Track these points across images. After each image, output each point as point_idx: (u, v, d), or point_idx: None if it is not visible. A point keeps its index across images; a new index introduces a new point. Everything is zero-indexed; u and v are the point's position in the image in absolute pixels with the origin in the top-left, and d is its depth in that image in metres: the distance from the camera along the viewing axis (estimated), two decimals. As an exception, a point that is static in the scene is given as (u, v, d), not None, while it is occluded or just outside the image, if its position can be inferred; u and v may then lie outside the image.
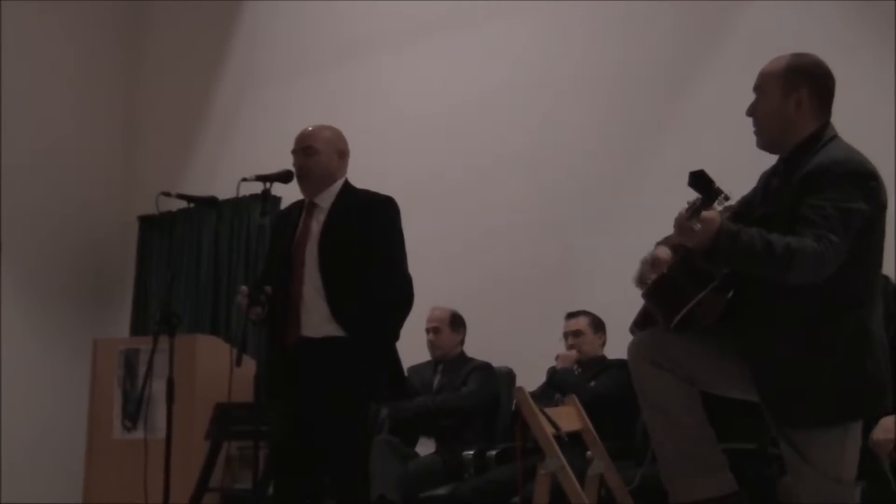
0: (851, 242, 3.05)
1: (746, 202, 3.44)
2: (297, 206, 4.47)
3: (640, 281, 3.41)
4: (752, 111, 3.35)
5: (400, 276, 4.28)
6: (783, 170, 3.30)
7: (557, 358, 5.68)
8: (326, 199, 4.35)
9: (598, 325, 5.77)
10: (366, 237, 4.24)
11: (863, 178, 3.12)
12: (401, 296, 4.27)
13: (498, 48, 7.08)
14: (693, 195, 3.07)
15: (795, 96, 3.26)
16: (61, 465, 7.54)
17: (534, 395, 5.37)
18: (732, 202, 3.20)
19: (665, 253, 3.30)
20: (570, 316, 5.80)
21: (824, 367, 3.09)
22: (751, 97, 3.37)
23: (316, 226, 4.31)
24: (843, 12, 5.79)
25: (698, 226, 3.02)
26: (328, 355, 4.13)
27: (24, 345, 8.00)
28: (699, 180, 3.04)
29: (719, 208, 3.08)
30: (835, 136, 3.26)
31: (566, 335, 5.75)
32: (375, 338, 4.19)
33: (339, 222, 4.28)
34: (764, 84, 3.32)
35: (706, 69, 6.24)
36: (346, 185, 4.42)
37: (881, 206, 3.17)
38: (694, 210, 3.04)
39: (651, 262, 3.35)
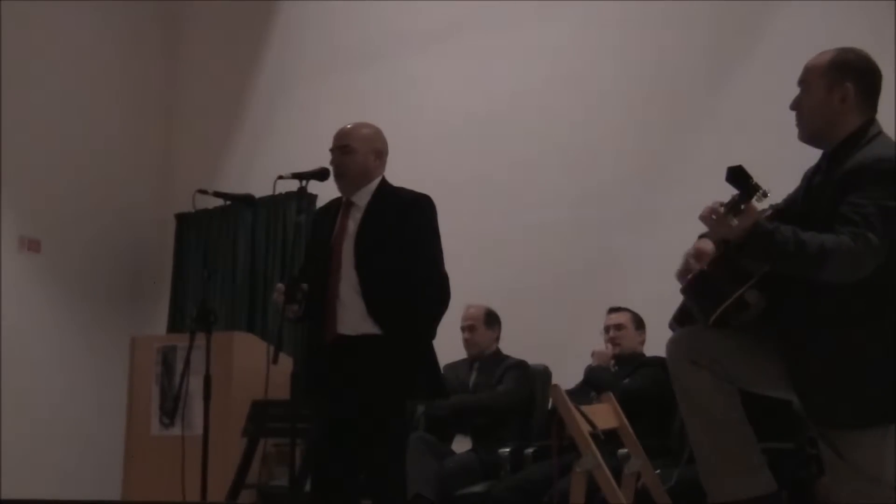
0: (892, 241, 3.02)
1: (791, 200, 3.41)
2: (335, 203, 4.46)
3: (683, 275, 3.38)
4: (796, 105, 3.32)
5: (437, 274, 4.28)
6: (826, 166, 3.27)
7: (594, 353, 5.67)
8: (363, 198, 4.35)
9: (639, 323, 5.75)
10: (403, 235, 4.24)
11: None
12: (437, 294, 4.26)
13: (532, 47, 7.06)
14: (731, 191, 3.05)
15: (840, 91, 3.22)
16: (100, 460, 7.61)
17: (571, 392, 5.38)
18: (771, 199, 3.17)
19: (708, 245, 3.27)
20: (613, 310, 5.78)
21: (863, 366, 3.07)
22: (786, 95, 3.34)
23: (353, 224, 4.30)
24: (878, 11, 5.73)
25: (735, 221, 3.01)
26: (365, 353, 4.14)
27: (62, 342, 8.08)
28: (737, 176, 3.02)
29: (758, 204, 3.05)
30: (879, 133, 3.22)
31: (607, 328, 5.73)
32: (412, 336, 4.19)
33: (376, 221, 4.28)
34: (809, 78, 3.29)
35: (741, 67, 6.20)
36: (383, 183, 4.41)
37: None
38: (732, 205, 3.02)
39: (695, 255, 3.32)
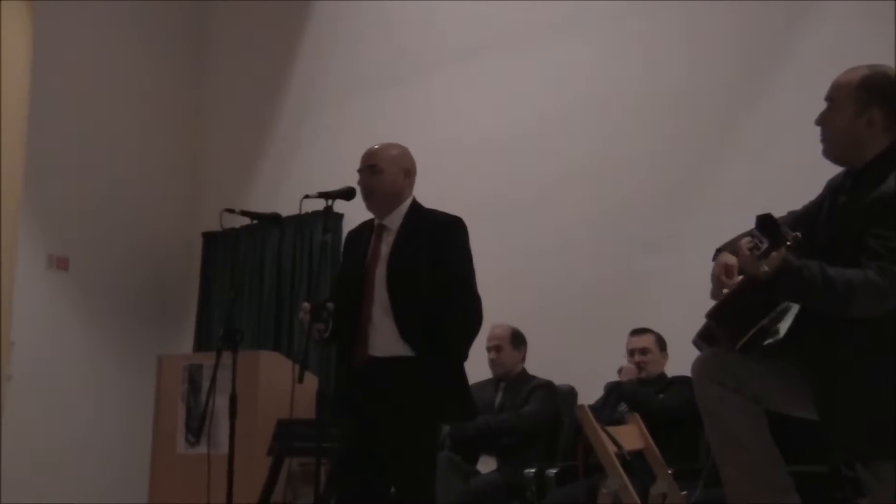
0: None
1: (807, 219, 3.39)
2: (367, 226, 4.45)
3: (717, 294, 3.35)
4: (821, 121, 3.30)
5: (469, 296, 4.25)
6: (851, 187, 3.25)
7: (620, 371, 5.65)
8: (395, 221, 4.33)
9: (662, 344, 5.74)
10: (435, 258, 4.22)
11: None
12: (470, 316, 4.24)
13: (556, 70, 7.07)
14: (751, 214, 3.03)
15: (868, 115, 3.20)
16: (127, 478, 7.64)
17: (595, 407, 5.38)
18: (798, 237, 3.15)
19: (731, 258, 3.25)
20: (637, 332, 5.77)
21: (885, 398, 3.03)
22: (813, 114, 3.32)
23: (385, 248, 4.29)
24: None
25: (766, 268, 2.98)
26: (397, 375, 4.13)
27: (89, 359, 8.13)
28: (767, 225, 3.00)
29: (790, 250, 3.04)
30: (906, 156, 3.20)
31: (632, 351, 5.71)
32: (444, 358, 4.18)
33: (408, 244, 4.27)
34: (836, 96, 3.26)
35: (767, 88, 6.18)
36: (414, 204, 4.40)
37: None
38: (762, 253, 3.00)
39: (724, 272, 3.29)
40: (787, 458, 3.29)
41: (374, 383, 4.15)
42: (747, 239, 3.05)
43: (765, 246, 2.98)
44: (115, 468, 7.88)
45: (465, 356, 4.25)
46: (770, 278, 3.00)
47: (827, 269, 2.99)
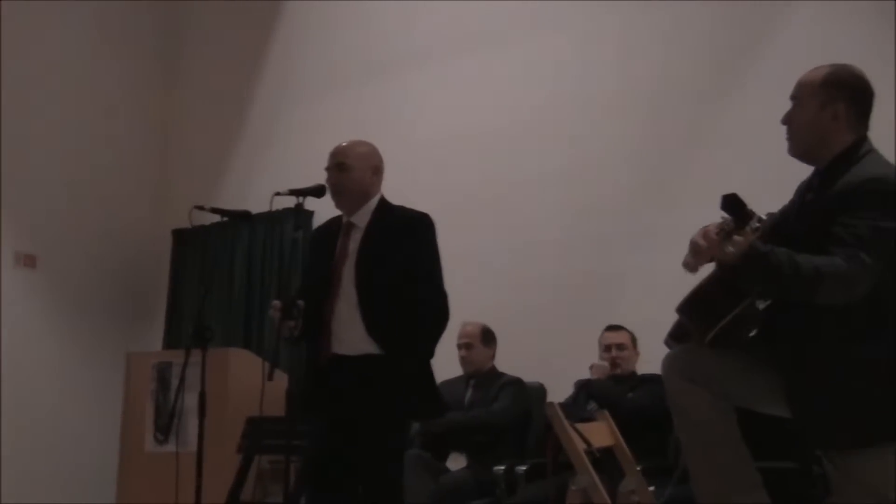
0: (886, 261, 3.02)
1: (784, 216, 3.41)
2: (334, 223, 4.45)
3: (690, 262, 3.33)
4: (787, 120, 3.33)
5: (436, 292, 4.27)
6: (818, 184, 3.28)
7: (592, 367, 5.66)
8: (363, 218, 4.34)
9: (635, 341, 5.75)
10: (403, 255, 4.23)
11: None
12: (437, 313, 4.25)
13: (531, 65, 7.08)
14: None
15: (832, 109, 3.23)
16: (95, 476, 7.58)
17: (564, 405, 5.38)
18: (766, 220, 3.17)
19: (713, 228, 3.24)
20: (613, 329, 5.77)
21: (856, 388, 3.05)
22: (785, 111, 3.35)
23: (353, 245, 4.29)
24: (882, 28, 5.74)
25: (731, 248, 3.00)
26: (364, 373, 4.13)
27: (58, 357, 8.07)
28: (732, 204, 3.02)
29: (751, 231, 3.05)
30: (870, 151, 3.23)
31: (608, 347, 5.71)
32: (412, 355, 4.18)
33: (376, 241, 4.27)
34: (801, 94, 3.30)
35: (741, 85, 6.21)
36: (382, 202, 4.40)
37: None
38: (727, 233, 3.02)
39: (702, 233, 3.27)
40: (757, 454, 3.31)
41: (341, 381, 4.15)
42: (713, 223, 3.07)
43: (730, 225, 2.99)
44: (83, 466, 7.82)
45: (431, 353, 4.26)
46: (737, 263, 3.01)
47: (794, 256, 3.01)
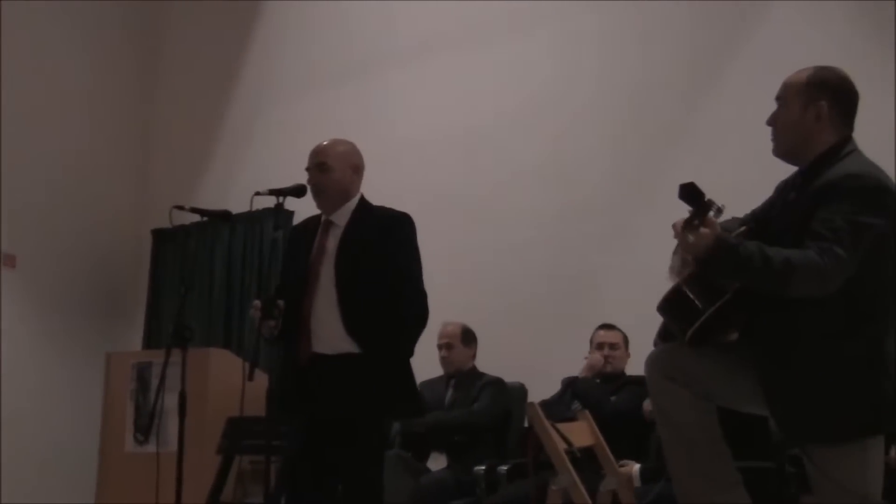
0: (862, 257, 3.04)
1: (764, 213, 3.43)
2: (313, 221, 4.45)
3: (675, 271, 3.39)
4: (772, 120, 3.35)
5: (416, 292, 4.27)
6: (801, 183, 3.29)
7: (586, 358, 5.65)
8: (342, 217, 4.34)
9: (627, 342, 5.75)
10: (382, 254, 4.23)
11: (876, 192, 3.09)
12: (417, 312, 4.25)
13: (512, 66, 7.08)
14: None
15: (815, 109, 3.25)
16: (74, 478, 7.55)
17: (549, 402, 5.40)
18: (725, 212, 3.19)
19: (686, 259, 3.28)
20: (606, 327, 5.77)
21: (834, 383, 3.07)
22: (765, 112, 3.37)
23: (332, 243, 4.29)
24: (857, 27, 5.78)
25: (692, 238, 3.02)
26: (343, 372, 4.12)
27: (38, 358, 8.03)
28: (689, 193, 3.03)
29: (716, 219, 3.06)
30: (853, 150, 3.24)
31: (601, 345, 5.71)
32: (390, 354, 4.18)
33: (356, 240, 4.27)
34: (786, 94, 3.32)
35: (720, 85, 6.23)
36: (362, 201, 4.40)
37: None
38: (686, 222, 3.04)
39: (681, 265, 3.33)
40: (737, 453, 3.32)
41: (320, 380, 4.14)
42: (681, 218, 3.08)
43: (690, 215, 3.01)
44: (62, 467, 7.79)
45: (411, 352, 4.27)
46: (707, 256, 3.03)
47: (765, 248, 3.03)
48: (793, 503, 4.27)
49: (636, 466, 4.73)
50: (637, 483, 4.66)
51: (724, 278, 3.15)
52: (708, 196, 3.03)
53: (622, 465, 4.65)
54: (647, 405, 4.91)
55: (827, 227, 3.03)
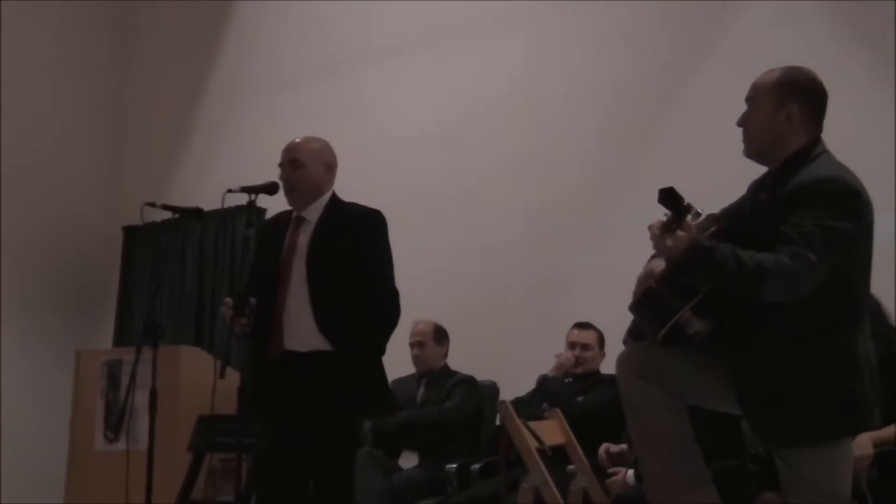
0: (834, 261, 3.06)
1: (735, 213, 3.44)
2: (283, 218, 4.44)
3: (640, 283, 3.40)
4: (743, 122, 3.36)
5: (387, 290, 4.27)
6: (771, 184, 3.30)
7: (556, 357, 5.65)
8: (314, 213, 4.33)
9: (602, 342, 5.74)
10: (354, 251, 4.22)
11: (846, 196, 3.11)
12: (388, 310, 4.25)
13: (488, 64, 7.08)
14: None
15: (786, 109, 3.26)
16: (43, 476, 7.49)
17: (521, 400, 5.40)
18: (703, 216, 3.21)
19: (660, 266, 3.30)
20: (581, 326, 5.76)
21: (807, 385, 3.08)
22: (739, 111, 3.37)
23: (303, 240, 4.28)
24: (834, 28, 5.80)
25: (669, 242, 3.04)
26: (314, 369, 4.11)
27: (5, 354, 7.97)
28: (668, 197, 3.04)
29: (694, 222, 3.08)
30: (823, 152, 3.26)
31: (573, 344, 5.70)
32: (362, 352, 4.17)
33: (327, 236, 4.26)
34: (756, 95, 3.33)
35: (697, 85, 6.24)
36: (334, 198, 4.39)
37: (866, 225, 3.16)
38: (665, 226, 3.05)
39: (646, 277, 3.35)
40: (708, 453, 3.34)
41: (292, 377, 4.14)
42: (657, 219, 3.09)
43: (669, 219, 3.02)
44: (31, 465, 7.73)
45: (382, 350, 4.26)
46: (680, 259, 3.04)
47: (739, 252, 3.04)
48: (752, 501, 4.30)
49: (630, 472, 4.69)
50: (631, 482, 4.65)
51: (698, 281, 3.16)
52: (687, 200, 3.04)
53: (614, 474, 4.65)
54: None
55: (799, 231, 3.04)
